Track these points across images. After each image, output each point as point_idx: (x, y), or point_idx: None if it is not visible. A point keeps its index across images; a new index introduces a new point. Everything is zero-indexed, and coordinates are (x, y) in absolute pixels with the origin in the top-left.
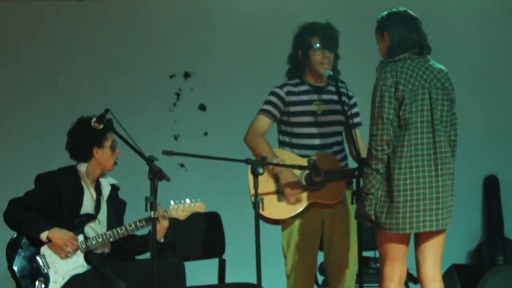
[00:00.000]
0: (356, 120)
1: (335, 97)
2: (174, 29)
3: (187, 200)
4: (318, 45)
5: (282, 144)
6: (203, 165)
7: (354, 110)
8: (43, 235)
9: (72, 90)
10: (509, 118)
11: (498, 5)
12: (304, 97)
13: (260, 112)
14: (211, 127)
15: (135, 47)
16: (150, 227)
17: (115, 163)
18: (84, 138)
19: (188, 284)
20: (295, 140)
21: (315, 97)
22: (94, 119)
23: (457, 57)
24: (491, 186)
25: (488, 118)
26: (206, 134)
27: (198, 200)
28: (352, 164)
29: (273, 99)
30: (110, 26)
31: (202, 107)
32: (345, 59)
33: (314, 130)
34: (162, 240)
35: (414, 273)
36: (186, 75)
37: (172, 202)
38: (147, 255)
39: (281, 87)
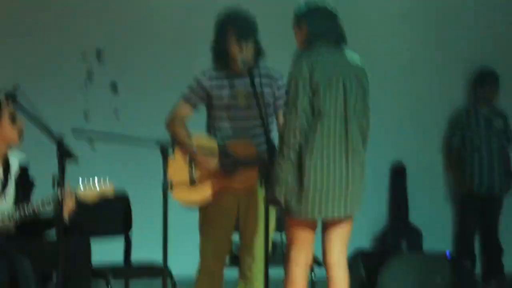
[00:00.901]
0: (279, 102)
1: (255, 89)
2: (91, 4)
3: (95, 180)
4: (235, 37)
5: (208, 127)
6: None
7: (279, 93)
8: None
9: None
10: (417, 104)
11: None
12: (225, 82)
13: (181, 99)
14: (122, 106)
15: (49, 22)
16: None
17: (21, 136)
18: None
19: (93, 260)
20: (216, 124)
21: (235, 83)
22: (1, 94)
23: (368, 45)
24: (397, 172)
25: (396, 105)
26: (116, 112)
27: (107, 179)
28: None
29: (194, 85)
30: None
31: (114, 86)
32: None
33: (232, 124)
34: (67, 220)
35: (320, 258)
36: (99, 53)
37: (80, 182)
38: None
39: (203, 73)
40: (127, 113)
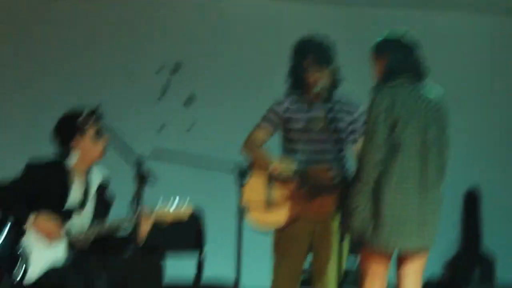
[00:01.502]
0: (352, 137)
1: (332, 114)
2: (166, 19)
3: (175, 200)
4: (312, 64)
5: (283, 151)
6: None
7: (352, 127)
8: (29, 221)
9: (61, 79)
10: (493, 128)
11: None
12: (302, 107)
13: (257, 126)
14: (198, 119)
15: (126, 37)
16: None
17: (104, 152)
18: (66, 129)
19: (166, 274)
20: (292, 147)
21: (312, 113)
22: (84, 114)
23: (441, 71)
24: (471, 198)
25: (471, 129)
26: (192, 127)
27: (188, 199)
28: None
29: (271, 116)
30: (102, 20)
31: (190, 99)
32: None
33: (307, 147)
34: (143, 240)
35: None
36: (176, 65)
37: (160, 202)
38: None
39: (278, 104)
40: (203, 128)
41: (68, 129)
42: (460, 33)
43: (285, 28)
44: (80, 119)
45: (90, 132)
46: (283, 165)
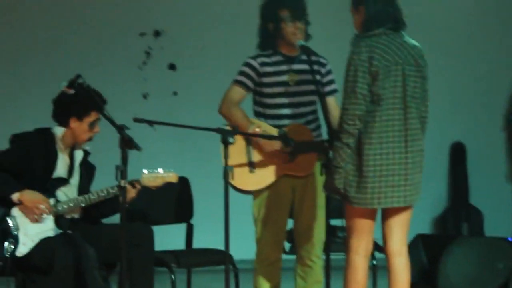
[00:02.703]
0: (330, 88)
1: (307, 67)
2: None
3: (160, 170)
4: (288, 17)
5: (256, 114)
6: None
7: (328, 78)
8: (15, 196)
9: (42, 48)
10: (476, 83)
11: None
12: (277, 68)
13: (234, 83)
14: (180, 86)
15: (106, 4)
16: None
17: (90, 139)
18: (67, 105)
19: (156, 248)
20: (268, 111)
21: (288, 67)
22: (64, 83)
23: (426, 26)
24: (457, 153)
25: (454, 84)
26: (175, 93)
27: (172, 170)
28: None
29: (247, 69)
30: None
31: (172, 67)
32: (318, 24)
33: (286, 100)
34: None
35: (380, 243)
36: (157, 33)
37: (145, 171)
38: (114, 219)
39: (254, 57)
40: (186, 94)
41: (72, 106)
42: None
43: None
44: (63, 88)
45: (87, 120)
46: (264, 126)
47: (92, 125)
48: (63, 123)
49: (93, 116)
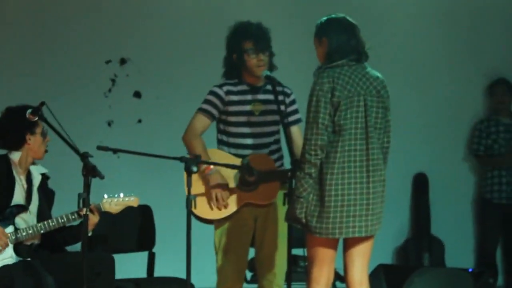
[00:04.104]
0: (294, 117)
1: (272, 97)
2: (111, 15)
3: (121, 194)
4: (251, 49)
5: (220, 143)
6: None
7: (292, 108)
8: None
9: (7, 75)
10: (439, 116)
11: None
12: (242, 97)
13: (199, 111)
14: (145, 114)
15: (72, 31)
16: (81, 220)
17: (46, 151)
18: (16, 125)
19: (117, 277)
20: (231, 140)
21: (252, 97)
22: (29, 111)
23: (390, 56)
24: (420, 183)
25: (418, 117)
26: (140, 121)
27: (132, 194)
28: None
29: (212, 98)
30: (46, 8)
31: (137, 94)
32: (285, 54)
33: (249, 130)
34: (90, 233)
35: (341, 272)
36: (122, 61)
37: (105, 196)
38: (76, 247)
39: (220, 86)
40: (151, 122)
41: (18, 126)
42: (404, 13)
43: (227, 16)
44: (28, 115)
45: (38, 130)
46: (222, 158)
47: (43, 135)
48: (19, 144)
49: (40, 124)
